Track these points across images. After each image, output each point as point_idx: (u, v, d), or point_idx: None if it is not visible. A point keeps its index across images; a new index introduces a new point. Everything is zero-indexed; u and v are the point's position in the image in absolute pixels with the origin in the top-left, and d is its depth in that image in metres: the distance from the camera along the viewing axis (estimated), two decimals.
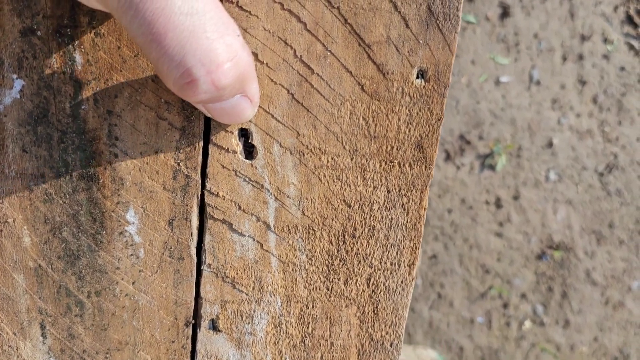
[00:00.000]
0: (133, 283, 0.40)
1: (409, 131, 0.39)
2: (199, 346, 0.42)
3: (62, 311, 0.41)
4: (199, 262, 0.41)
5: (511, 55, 1.22)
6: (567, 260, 1.27)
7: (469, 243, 1.22)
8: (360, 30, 0.37)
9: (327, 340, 0.43)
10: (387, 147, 0.39)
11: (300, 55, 0.37)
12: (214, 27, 0.31)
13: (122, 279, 0.40)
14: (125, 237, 0.40)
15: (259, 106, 0.38)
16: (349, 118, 0.39)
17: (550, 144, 1.24)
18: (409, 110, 0.39)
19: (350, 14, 0.37)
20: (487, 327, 1.23)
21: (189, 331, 0.42)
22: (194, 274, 0.41)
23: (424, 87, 0.38)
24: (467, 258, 1.22)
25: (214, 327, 0.42)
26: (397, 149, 0.39)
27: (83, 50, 0.36)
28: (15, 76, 0.37)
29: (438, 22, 0.37)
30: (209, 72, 0.31)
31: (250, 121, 0.38)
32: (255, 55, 0.37)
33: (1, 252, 0.39)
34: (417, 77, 0.38)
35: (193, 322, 0.42)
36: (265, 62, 0.37)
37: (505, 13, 1.19)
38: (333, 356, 0.43)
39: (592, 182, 1.27)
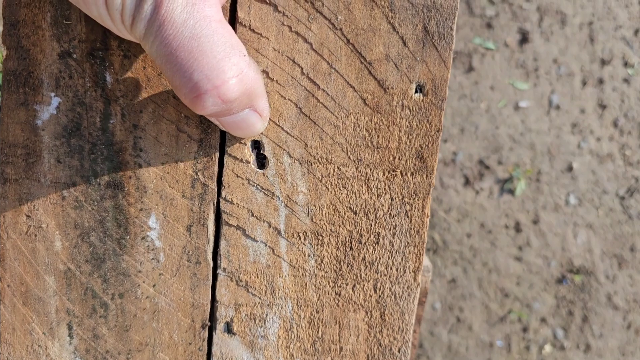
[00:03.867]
0: (154, 286, 0.43)
1: (410, 142, 0.42)
2: (214, 348, 0.45)
3: (88, 312, 0.44)
4: (215, 266, 0.44)
5: (530, 80, 1.22)
6: (588, 284, 1.26)
7: (488, 267, 1.22)
8: (362, 49, 0.41)
9: (336, 344, 0.45)
10: (389, 157, 0.42)
11: (307, 73, 0.41)
12: (220, 48, 0.35)
13: (144, 282, 0.43)
14: (147, 242, 0.43)
15: (270, 119, 0.41)
16: (353, 130, 0.42)
17: (570, 168, 1.25)
18: (409, 122, 0.42)
19: (352, 34, 0.40)
20: (507, 350, 1.21)
21: (205, 333, 0.44)
22: (210, 278, 0.44)
23: (422, 100, 0.41)
24: (487, 282, 1.22)
25: (228, 329, 0.44)
26: (399, 158, 0.42)
27: (113, 70, 0.41)
28: (53, 94, 0.41)
29: (433, 40, 0.41)
30: (215, 86, 0.34)
31: (262, 133, 0.42)
32: (265, 73, 0.41)
33: (35, 255, 0.43)
34: (416, 92, 0.41)
35: (209, 324, 0.44)
36: (275, 79, 0.41)
37: (524, 39, 1.21)
38: None
39: (612, 205, 1.26)
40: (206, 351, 0.45)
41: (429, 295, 1.20)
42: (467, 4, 1.19)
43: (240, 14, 0.40)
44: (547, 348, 1.20)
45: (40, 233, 0.43)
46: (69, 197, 0.42)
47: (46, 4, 0.40)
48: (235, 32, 0.40)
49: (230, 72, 0.35)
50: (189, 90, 0.35)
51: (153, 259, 0.43)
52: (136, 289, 0.43)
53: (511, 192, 1.23)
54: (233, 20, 0.41)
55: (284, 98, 0.41)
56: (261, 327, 0.44)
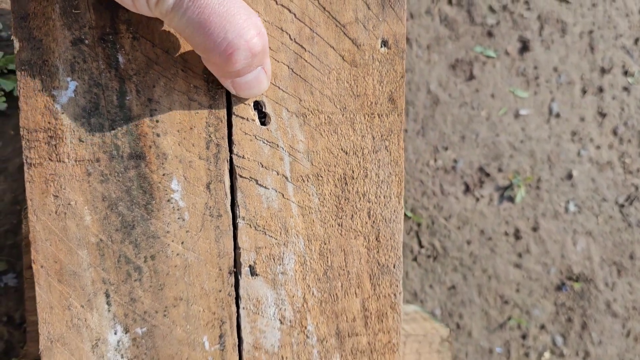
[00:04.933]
0: (182, 243, 0.48)
1: (382, 88, 0.51)
2: (241, 292, 0.50)
3: (122, 278, 0.47)
4: (234, 217, 0.49)
5: (531, 88, 1.26)
6: (587, 292, 1.29)
7: (488, 274, 1.25)
8: (336, 15, 0.49)
9: (344, 270, 0.52)
10: (367, 103, 0.51)
11: (294, 38, 0.48)
12: (243, 11, 0.41)
13: (173, 241, 0.48)
14: (171, 203, 0.47)
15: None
16: (337, 83, 0.50)
17: (569, 176, 1.28)
18: (379, 72, 0.51)
19: (327, 3, 0.49)
20: (506, 357, 1.25)
21: (232, 279, 0.50)
22: (231, 228, 0.49)
23: (387, 53, 0.51)
24: (486, 288, 1.25)
25: (252, 272, 0.50)
26: (375, 103, 0.51)
27: (124, 51, 0.45)
28: (69, 79, 0.44)
29: (390, 3, 0.50)
30: (246, 41, 0.41)
31: (262, 94, 0.48)
32: None
33: (66, 232, 0.46)
34: (382, 46, 0.51)
35: (234, 270, 0.50)
36: (269, 46, 0.48)
37: (524, 47, 1.24)
38: (351, 284, 0.53)
39: (612, 213, 1.30)
40: (235, 295, 0.50)
41: (430, 301, 1.22)
42: (468, 13, 1.22)
43: None
44: (546, 355, 1.26)
45: (69, 210, 0.46)
46: (95, 173, 0.46)
47: None
48: None
49: (254, 29, 0.42)
50: (224, 48, 0.41)
51: (179, 218, 0.48)
52: (166, 248, 0.48)
53: (511, 199, 1.26)
54: None
55: (277, 61, 0.48)
56: (280, 264, 0.51)
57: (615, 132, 1.29)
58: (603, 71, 1.29)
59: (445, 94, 1.18)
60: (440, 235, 1.24)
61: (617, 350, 1.30)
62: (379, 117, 0.51)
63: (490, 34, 1.24)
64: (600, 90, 1.29)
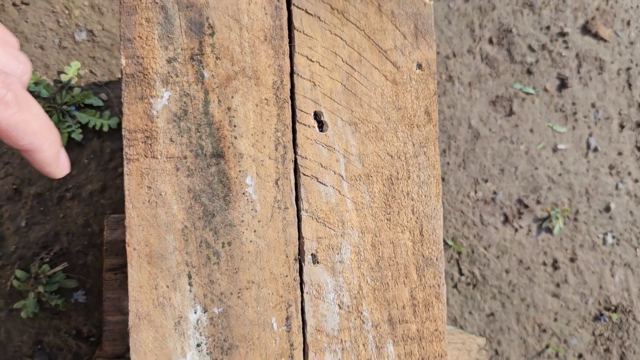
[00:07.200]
0: (254, 231, 0.55)
1: (419, 102, 0.60)
2: (305, 277, 0.56)
3: (203, 262, 0.53)
4: (298, 210, 0.56)
5: (569, 123, 1.29)
6: (626, 322, 1.31)
7: (526, 302, 1.27)
8: (379, 42, 0.59)
9: (393, 260, 0.59)
10: (407, 115, 0.60)
11: (346, 61, 0.58)
12: None
13: (247, 229, 0.54)
14: (246, 196, 0.55)
15: (325, 95, 0.57)
16: (381, 97, 0.59)
17: (607, 209, 1.32)
18: (416, 90, 0.60)
19: (371, 33, 0.59)
20: None
21: (297, 265, 0.56)
22: (296, 219, 0.56)
23: (422, 74, 0.60)
24: (524, 317, 1.27)
25: (314, 260, 0.56)
26: (413, 115, 0.60)
27: (209, 68, 0.55)
28: (164, 89, 0.53)
29: (422, 34, 0.61)
30: None
31: (320, 105, 0.57)
32: (318, 63, 0.57)
33: (156, 219, 0.52)
34: (417, 68, 0.60)
35: (299, 257, 0.56)
36: (325, 66, 0.58)
37: (563, 84, 1.29)
38: (399, 273, 0.59)
39: None
40: (299, 281, 0.56)
41: (469, 327, 1.22)
42: (508, 51, 1.27)
43: (296, 23, 0.57)
44: None
45: (160, 200, 0.53)
46: (182, 168, 0.53)
47: (154, 24, 0.54)
48: (293, 37, 0.57)
49: None
50: None
51: (252, 209, 0.55)
52: (241, 236, 0.54)
53: (549, 230, 1.29)
54: (290, 27, 0.57)
55: (333, 79, 0.58)
56: (338, 254, 0.57)
57: None
58: None
59: (485, 128, 1.23)
60: (480, 264, 1.26)
61: None
62: (417, 127, 0.60)
63: (529, 72, 1.28)
64: (638, 125, 1.33)
